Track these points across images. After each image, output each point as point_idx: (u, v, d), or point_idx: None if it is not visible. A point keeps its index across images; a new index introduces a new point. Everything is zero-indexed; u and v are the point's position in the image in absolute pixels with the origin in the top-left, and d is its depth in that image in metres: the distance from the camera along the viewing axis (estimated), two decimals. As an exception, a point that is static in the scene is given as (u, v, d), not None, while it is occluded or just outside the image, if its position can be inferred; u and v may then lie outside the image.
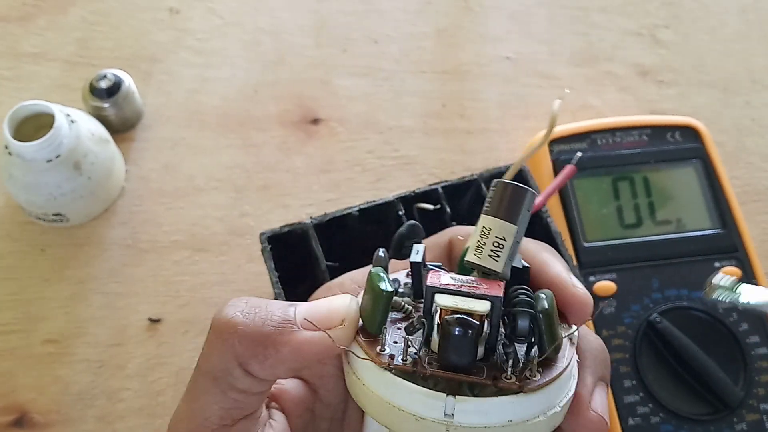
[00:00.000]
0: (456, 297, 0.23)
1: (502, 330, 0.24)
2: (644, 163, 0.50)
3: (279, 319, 0.25)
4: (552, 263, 0.27)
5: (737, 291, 0.23)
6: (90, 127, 0.49)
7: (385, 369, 0.24)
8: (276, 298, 0.39)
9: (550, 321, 0.24)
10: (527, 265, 0.26)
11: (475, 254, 0.25)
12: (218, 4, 0.59)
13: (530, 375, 0.23)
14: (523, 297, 0.24)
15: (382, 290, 0.24)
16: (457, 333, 0.23)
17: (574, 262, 0.42)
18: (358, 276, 0.30)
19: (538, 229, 0.42)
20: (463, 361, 0.23)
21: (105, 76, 0.52)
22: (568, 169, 0.26)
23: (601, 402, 0.26)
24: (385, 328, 0.25)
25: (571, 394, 0.25)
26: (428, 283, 0.24)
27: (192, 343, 0.47)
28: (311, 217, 0.41)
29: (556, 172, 0.49)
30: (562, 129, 0.52)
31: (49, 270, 0.49)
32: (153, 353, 0.47)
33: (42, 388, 0.45)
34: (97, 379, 0.46)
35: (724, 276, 0.24)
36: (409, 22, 0.60)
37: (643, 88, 0.59)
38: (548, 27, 0.61)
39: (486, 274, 0.25)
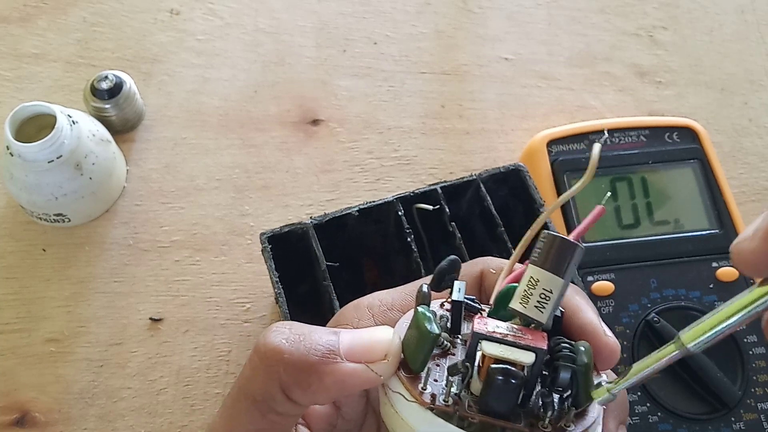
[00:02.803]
0: (502, 346, 0.24)
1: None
2: (642, 163, 0.51)
3: (323, 349, 0.25)
4: (585, 309, 0.28)
5: (611, 390, 0.25)
6: (91, 128, 0.49)
7: (426, 408, 0.24)
8: (276, 299, 0.40)
9: (587, 375, 0.25)
10: (562, 310, 0.27)
11: (520, 303, 0.25)
12: (218, 5, 0.60)
13: (565, 425, 0.24)
14: (566, 351, 0.25)
15: (430, 332, 0.25)
16: (501, 382, 0.23)
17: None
18: (387, 298, 0.30)
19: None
20: (504, 409, 0.24)
21: (106, 77, 0.52)
22: (598, 209, 0.26)
23: None
24: (428, 366, 0.25)
25: None
26: (475, 329, 0.24)
27: (192, 343, 0.47)
28: (311, 217, 0.41)
29: (554, 173, 0.50)
30: (560, 129, 0.52)
31: (51, 269, 0.49)
32: (154, 352, 0.47)
33: (43, 387, 0.45)
34: (98, 378, 0.46)
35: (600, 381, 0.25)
36: (409, 23, 0.60)
37: (642, 89, 0.59)
38: (547, 28, 0.61)
39: (528, 322, 0.25)
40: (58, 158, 0.46)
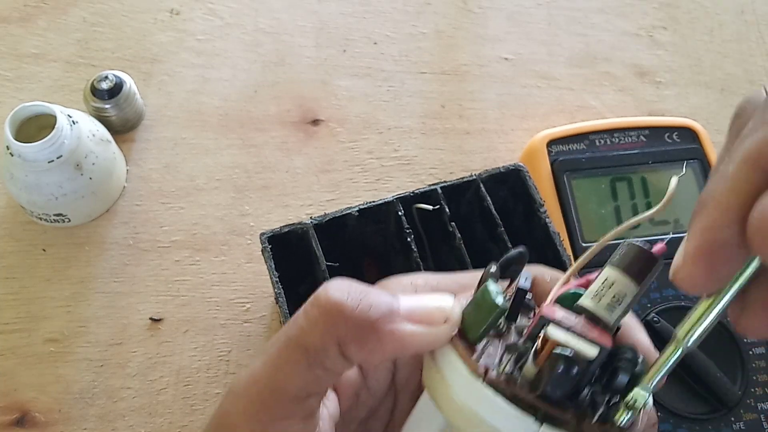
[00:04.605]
0: (568, 333, 0.24)
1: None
2: (642, 163, 0.51)
3: (384, 308, 0.25)
4: (638, 329, 0.28)
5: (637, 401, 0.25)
6: (91, 128, 0.49)
7: (478, 378, 0.24)
8: (276, 299, 0.40)
9: (639, 384, 0.25)
10: (619, 325, 0.27)
11: (592, 300, 0.25)
12: (218, 5, 0.60)
13: (610, 427, 0.24)
14: (629, 355, 0.25)
15: (497, 305, 0.25)
16: (563, 367, 0.23)
17: (573, 263, 0.42)
18: (432, 280, 0.30)
19: (537, 229, 0.42)
20: (557, 395, 0.24)
21: (106, 77, 0.52)
22: (660, 246, 0.27)
23: None
24: (484, 341, 0.25)
25: None
26: (543, 313, 0.25)
27: (192, 343, 0.47)
28: (311, 217, 0.41)
29: (554, 173, 0.50)
30: (560, 129, 0.52)
31: (51, 269, 0.49)
32: (154, 352, 0.47)
33: (43, 387, 0.45)
34: (98, 378, 0.46)
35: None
36: (409, 23, 0.60)
37: (642, 89, 0.59)
38: (547, 28, 0.61)
39: (594, 320, 0.25)
40: (58, 158, 0.46)
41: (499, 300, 0.25)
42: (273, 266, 0.40)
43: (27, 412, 0.45)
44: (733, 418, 0.44)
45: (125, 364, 0.46)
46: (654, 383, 0.24)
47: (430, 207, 0.42)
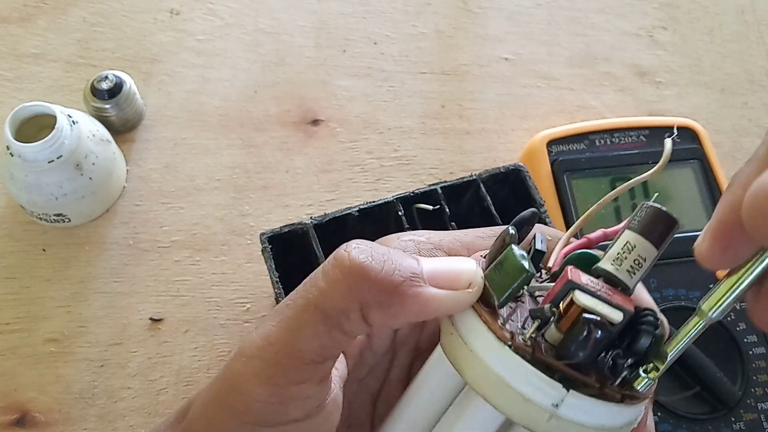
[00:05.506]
0: (594, 299, 0.24)
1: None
2: (642, 163, 0.51)
3: (408, 272, 0.25)
4: (642, 289, 0.28)
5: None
6: (91, 128, 0.49)
7: (505, 344, 0.24)
8: (276, 299, 0.40)
9: (659, 346, 0.25)
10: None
11: (612, 264, 0.25)
12: (218, 5, 0.60)
13: (630, 389, 0.24)
14: (651, 318, 0.25)
15: (526, 270, 0.25)
16: (591, 333, 0.23)
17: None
18: (435, 237, 0.30)
19: (537, 229, 0.42)
20: (583, 359, 0.24)
21: (106, 77, 0.52)
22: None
23: (651, 423, 0.28)
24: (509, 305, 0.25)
25: (644, 412, 0.26)
26: (570, 278, 0.25)
27: (192, 343, 0.47)
28: (311, 217, 0.41)
29: (554, 173, 0.50)
30: (560, 130, 0.52)
31: (51, 269, 0.49)
32: (154, 352, 0.47)
33: (43, 387, 0.45)
34: (98, 378, 0.46)
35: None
36: (409, 23, 0.60)
37: (642, 89, 0.59)
38: (547, 28, 0.61)
39: (613, 284, 0.25)
40: (58, 158, 0.46)
41: (526, 264, 0.25)
42: (273, 266, 0.40)
43: (27, 412, 0.45)
44: (733, 418, 0.44)
45: (125, 364, 0.46)
46: (676, 351, 0.24)
47: (430, 207, 0.42)
